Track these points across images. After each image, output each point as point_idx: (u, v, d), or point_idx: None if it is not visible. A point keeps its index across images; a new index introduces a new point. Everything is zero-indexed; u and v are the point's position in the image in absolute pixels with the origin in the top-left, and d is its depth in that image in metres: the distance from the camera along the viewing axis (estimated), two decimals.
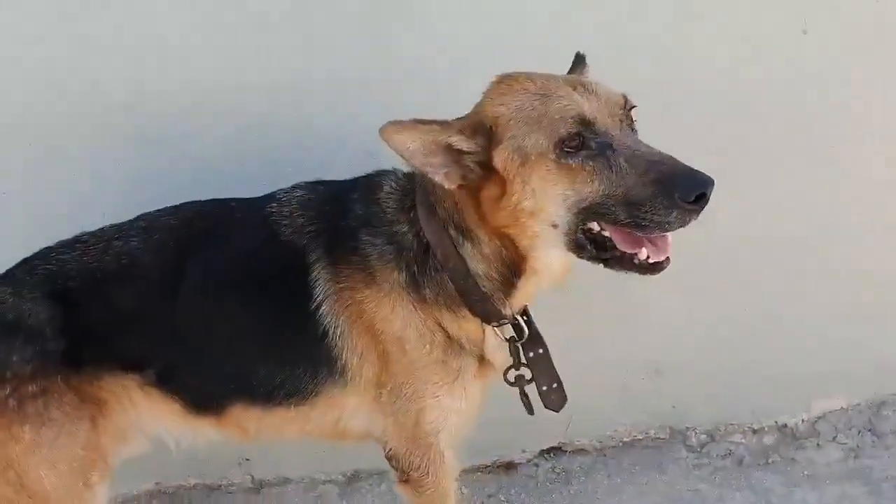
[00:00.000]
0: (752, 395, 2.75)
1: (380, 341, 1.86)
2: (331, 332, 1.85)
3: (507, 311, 1.86)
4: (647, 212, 1.56)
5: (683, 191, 1.53)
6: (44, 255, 1.97)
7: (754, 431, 2.79)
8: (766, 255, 2.56)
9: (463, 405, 1.93)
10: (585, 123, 1.61)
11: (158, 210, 2.00)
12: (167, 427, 2.06)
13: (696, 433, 2.78)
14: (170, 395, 1.97)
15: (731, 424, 2.79)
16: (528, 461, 2.80)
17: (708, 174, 1.55)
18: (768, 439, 2.77)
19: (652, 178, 1.56)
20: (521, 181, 1.65)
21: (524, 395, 2.03)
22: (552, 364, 2.00)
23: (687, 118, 2.32)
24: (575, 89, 1.66)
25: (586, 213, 1.63)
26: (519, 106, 1.68)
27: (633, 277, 1.70)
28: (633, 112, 1.71)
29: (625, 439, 2.79)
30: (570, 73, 1.88)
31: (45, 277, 1.92)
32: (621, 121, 1.66)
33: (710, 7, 2.28)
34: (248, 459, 2.74)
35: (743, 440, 2.77)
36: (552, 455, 2.80)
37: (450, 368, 1.88)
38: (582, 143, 1.61)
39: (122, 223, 1.99)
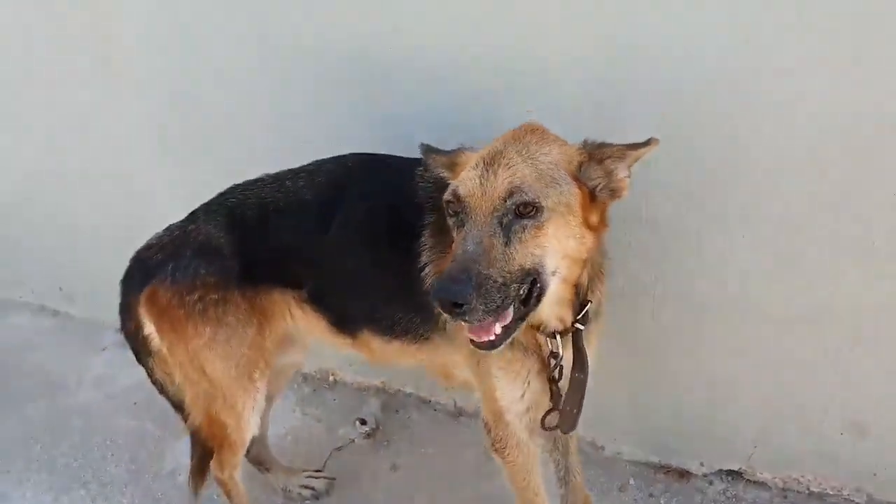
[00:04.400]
0: None
1: None
2: None
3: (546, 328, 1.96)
4: None
5: (433, 287, 1.67)
6: (232, 189, 2.35)
7: None
8: None
9: (526, 395, 2.06)
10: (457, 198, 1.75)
11: (328, 158, 2.29)
12: (318, 339, 2.40)
13: None
14: (319, 313, 2.29)
15: None
16: (704, 476, 2.76)
17: (458, 290, 1.59)
18: None
19: None
20: None
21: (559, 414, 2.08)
22: (584, 394, 2.03)
23: None
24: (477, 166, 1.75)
25: None
26: None
27: None
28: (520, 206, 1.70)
29: (812, 489, 2.61)
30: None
31: (230, 208, 2.29)
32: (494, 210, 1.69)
33: None
34: (452, 388, 3.12)
35: None
36: (730, 478, 2.73)
37: (505, 356, 2.00)
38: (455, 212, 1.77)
39: (297, 167, 2.30)
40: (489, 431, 2.23)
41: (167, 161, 3.25)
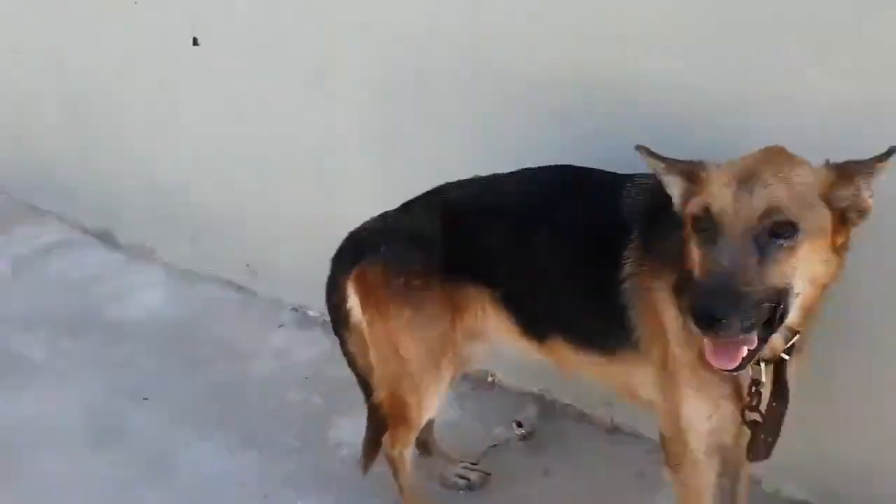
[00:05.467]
0: None
1: (663, 330, 2.05)
2: (629, 307, 2.09)
3: None
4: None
5: (691, 302, 1.68)
6: (444, 187, 2.51)
7: None
8: None
9: (714, 418, 2.05)
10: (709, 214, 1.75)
11: (539, 167, 2.41)
12: (503, 338, 2.50)
13: None
14: (510, 314, 2.39)
15: None
16: None
17: (719, 306, 1.61)
18: None
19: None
20: None
21: (753, 443, 2.03)
22: (781, 424, 2.00)
23: None
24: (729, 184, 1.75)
25: None
26: None
27: None
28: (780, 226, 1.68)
29: None
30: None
31: (441, 203, 2.45)
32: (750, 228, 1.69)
33: None
34: (610, 403, 3.14)
35: None
36: None
37: (700, 376, 2.00)
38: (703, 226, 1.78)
39: (509, 172, 2.45)
40: (665, 447, 2.24)
41: (365, 161, 3.49)
